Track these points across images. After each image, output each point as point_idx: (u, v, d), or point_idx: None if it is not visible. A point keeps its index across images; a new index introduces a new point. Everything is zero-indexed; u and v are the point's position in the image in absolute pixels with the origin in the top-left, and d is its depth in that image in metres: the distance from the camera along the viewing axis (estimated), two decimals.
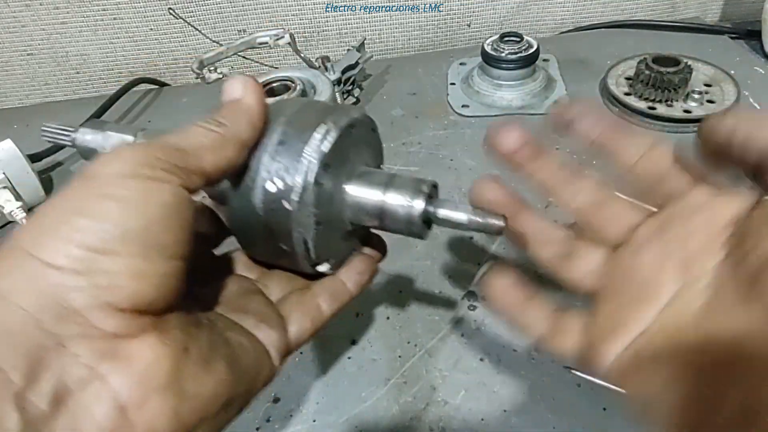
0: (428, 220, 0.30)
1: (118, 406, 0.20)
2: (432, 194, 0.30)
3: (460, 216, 0.30)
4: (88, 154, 0.33)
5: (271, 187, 0.27)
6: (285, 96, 0.62)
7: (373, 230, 0.34)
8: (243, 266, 0.32)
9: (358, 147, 0.31)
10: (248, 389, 0.25)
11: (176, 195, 0.22)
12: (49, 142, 0.34)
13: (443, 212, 0.30)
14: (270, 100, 0.29)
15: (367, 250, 0.34)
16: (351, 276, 0.32)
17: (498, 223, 0.30)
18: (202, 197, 0.33)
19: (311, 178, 0.27)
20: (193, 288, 0.27)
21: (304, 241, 0.28)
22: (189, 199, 0.23)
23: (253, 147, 0.27)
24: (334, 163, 0.28)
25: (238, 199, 0.28)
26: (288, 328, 0.29)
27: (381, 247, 0.35)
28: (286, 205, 0.27)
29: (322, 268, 0.31)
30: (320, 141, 0.27)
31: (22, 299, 0.19)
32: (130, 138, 0.32)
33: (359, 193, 0.30)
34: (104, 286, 0.20)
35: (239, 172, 0.27)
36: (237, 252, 0.32)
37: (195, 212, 0.23)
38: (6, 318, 0.19)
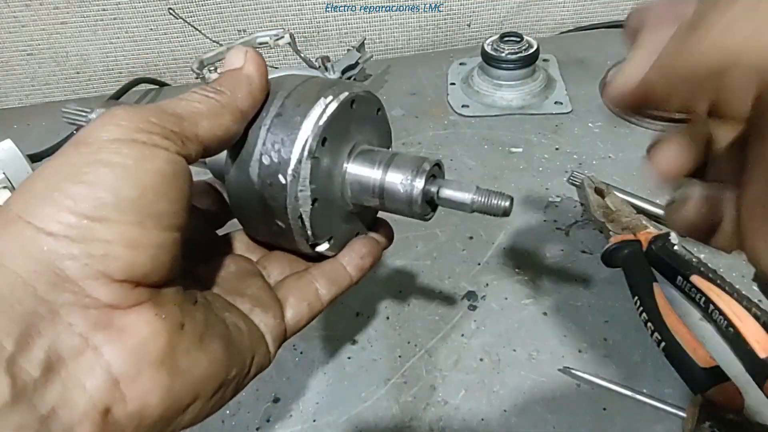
0: (431, 201, 0.29)
1: (111, 378, 0.19)
2: (435, 174, 0.29)
3: (464, 196, 0.28)
4: None
5: (267, 160, 0.26)
6: None
7: (379, 215, 0.34)
8: (244, 247, 0.31)
9: (361, 125, 0.30)
10: (242, 372, 0.25)
11: (172, 162, 0.21)
12: (69, 123, 0.33)
13: (446, 192, 0.29)
14: (273, 75, 0.28)
15: (371, 234, 0.33)
16: (352, 259, 0.31)
17: (504, 204, 0.28)
18: (208, 178, 0.33)
19: (307, 152, 0.26)
20: (192, 266, 0.27)
21: (299, 217, 0.27)
22: (185, 168, 0.22)
23: (252, 120, 0.27)
24: (332, 138, 0.27)
25: (236, 173, 0.27)
26: (285, 312, 0.28)
27: (387, 233, 0.34)
28: (281, 179, 0.26)
29: (321, 247, 0.30)
30: (318, 115, 0.27)
31: (15, 264, 0.19)
32: None
33: (359, 171, 0.29)
34: (99, 254, 0.19)
35: (238, 145, 0.27)
36: (239, 232, 0.32)
37: (192, 184, 0.23)
38: (1, 282, 0.18)
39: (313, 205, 0.27)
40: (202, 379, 0.22)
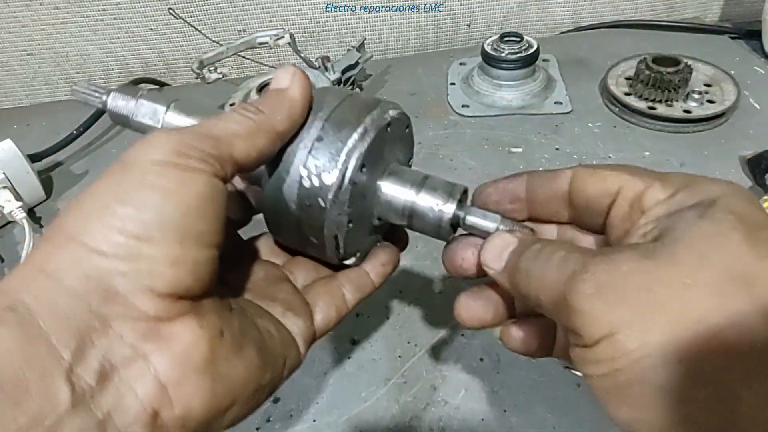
0: (455, 225, 0.30)
1: (159, 384, 0.21)
2: (462, 200, 0.30)
3: (488, 224, 0.29)
4: (118, 119, 0.32)
5: (307, 183, 0.27)
6: None
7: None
8: (269, 251, 0.33)
9: (393, 144, 0.31)
10: (275, 375, 0.26)
11: (210, 185, 0.23)
12: (81, 101, 0.33)
13: (472, 219, 0.30)
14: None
15: (388, 242, 0.35)
16: (375, 267, 0.33)
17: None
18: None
19: (347, 179, 0.27)
20: (223, 273, 0.28)
21: (335, 237, 0.29)
22: (222, 189, 0.24)
23: (291, 138, 0.27)
24: (369, 162, 0.28)
25: (273, 187, 0.28)
26: (314, 316, 0.30)
27: (402, 239, 0.36)
28: (321, 202, 0.27)
29: (349, 261, 0.31)
30: (358, 141, 0.27)
31: (70, 281, 0.20)
32: (162, 108, 0.31)
33: (391, 191, 0.30)
34: (145, 271, 0.21)
35: (277, 161, 0.28)
36: (263, 237, 0.33)
37: (228, 201, 0.24)
38: (57, 298, 0.20)
39: (348, 226, 0.29)
40: (241, 383, 0.24)
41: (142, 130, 0.31)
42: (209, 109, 0.31)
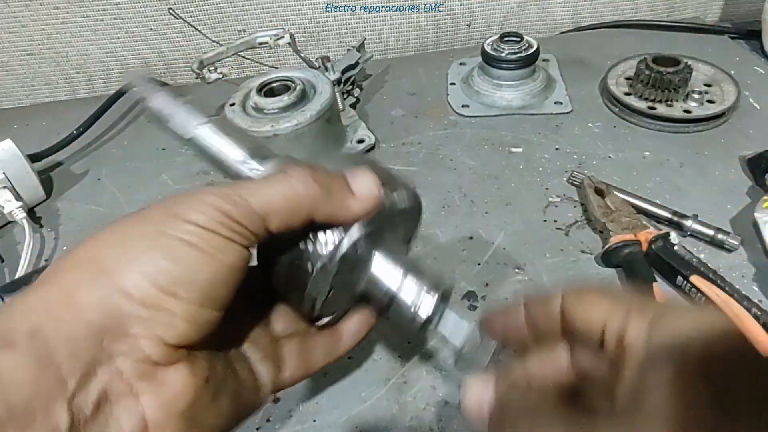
0: (426, 325, 0.31)
1: (143, 423, 0.22)
2: (445, 297, 0.31)
3: (455, 341, 0.30)
4: (151, 116, 0.32)
5: (302, 245, 0.28)
6: (285, 97, 0.62)
7: None
8: (257, 290, 0.32)
9: (397, 225, 0.32)
10: (238, 422, 0.27)
11: (243, 257, 0.24)
12: (130, 87, 0.33)
13: (441, 330, 0.31)
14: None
15: (365, 310, 0.35)
16: (350, 330, 0.33)
17: (485, 359, 0.30)
18: None
19: (338, 256, 0.28)
20: None
21: (313, 300, 0.29)
22: (248, 257, 0.25)
23: None
24: (366, 241, 0.29)
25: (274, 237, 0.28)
26: (282, 372, 0.30)
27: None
28: (309, 266, 0.28)
29: (322, 321, 0.31)
30: (361, 225, 0.28)
31: (92, 315, 0.21)
32: (194, 122, 0.31)
33: (378, 274, 0.31)
34: (161, 322, 0.22)
35: None
36: (252, 271, 0.33)
37: None
38: (76, 331, 0.21)
39: (328, 294, 0.29)
40: (211, 430, 0.25)
41: (175, 136, 0.31)
42: (245, 135, 0.32)
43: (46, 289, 0.22)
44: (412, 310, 0.30)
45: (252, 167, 0.30)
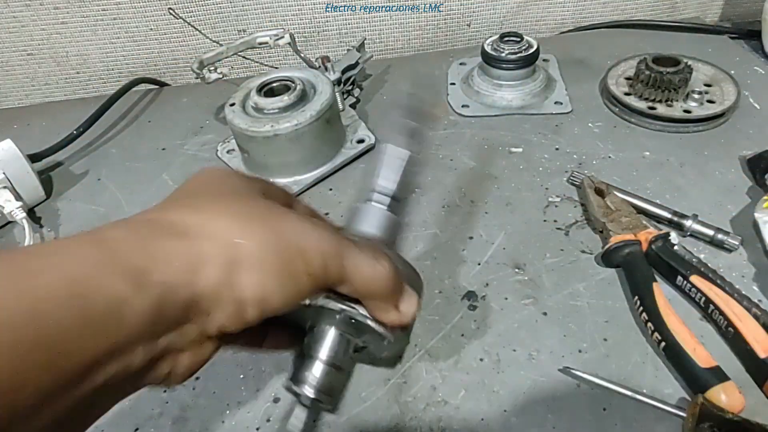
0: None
1: (171, 372, 0.28)
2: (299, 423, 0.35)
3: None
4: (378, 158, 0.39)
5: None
6: (285, 97, 0.62)
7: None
8: None
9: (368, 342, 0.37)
10: None
11: (306, 297, 0.30)
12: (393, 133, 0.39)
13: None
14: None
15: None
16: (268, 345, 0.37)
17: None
18: None
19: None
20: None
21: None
22: None
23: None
24: (352, 324, 0.34)
25: None
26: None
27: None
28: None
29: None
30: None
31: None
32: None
33: (321, 341, 0.35)
34: (231, 316, 0.28)
35: None
36: None
37: None
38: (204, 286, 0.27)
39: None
40: None
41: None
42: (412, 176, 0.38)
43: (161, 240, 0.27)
44: (300, 389, 0.34)
45: (378, 201, 0.37)
